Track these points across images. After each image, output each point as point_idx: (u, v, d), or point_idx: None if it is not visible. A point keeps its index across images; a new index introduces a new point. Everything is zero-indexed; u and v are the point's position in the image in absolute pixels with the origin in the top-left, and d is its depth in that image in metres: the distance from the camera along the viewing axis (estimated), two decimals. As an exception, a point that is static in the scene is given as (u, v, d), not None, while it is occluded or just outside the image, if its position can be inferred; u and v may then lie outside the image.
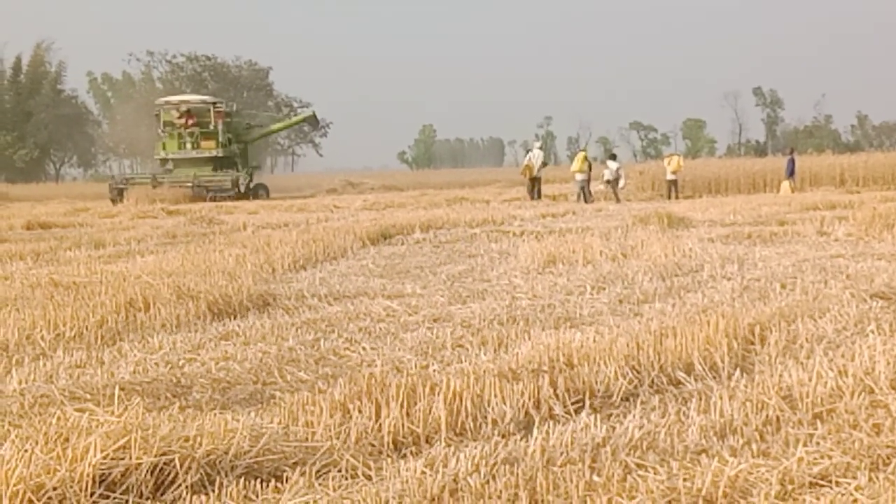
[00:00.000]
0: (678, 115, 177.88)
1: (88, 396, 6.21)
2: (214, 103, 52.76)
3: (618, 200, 35.74)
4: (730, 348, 7.08)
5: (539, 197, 36.93)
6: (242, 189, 47.94)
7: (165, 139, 50.96)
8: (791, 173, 40.33)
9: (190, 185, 46.84)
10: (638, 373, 6.48)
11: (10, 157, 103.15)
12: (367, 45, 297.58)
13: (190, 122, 50.39)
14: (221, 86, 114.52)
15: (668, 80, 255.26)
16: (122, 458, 4.53)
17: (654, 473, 4.58)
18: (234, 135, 52.14)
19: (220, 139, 50.30)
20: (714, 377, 6.56)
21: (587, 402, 5.93)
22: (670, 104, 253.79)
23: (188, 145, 50.34)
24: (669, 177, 39.50)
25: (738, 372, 6.58)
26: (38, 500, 4.28)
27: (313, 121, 68.05)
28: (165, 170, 50.52)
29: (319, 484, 4.61)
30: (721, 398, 5.80)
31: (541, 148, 39.59)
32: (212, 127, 50.45)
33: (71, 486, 4.37)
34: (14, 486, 4.28)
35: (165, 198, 42.26)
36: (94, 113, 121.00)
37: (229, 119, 52.55)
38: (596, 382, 6.22)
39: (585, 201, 34.99)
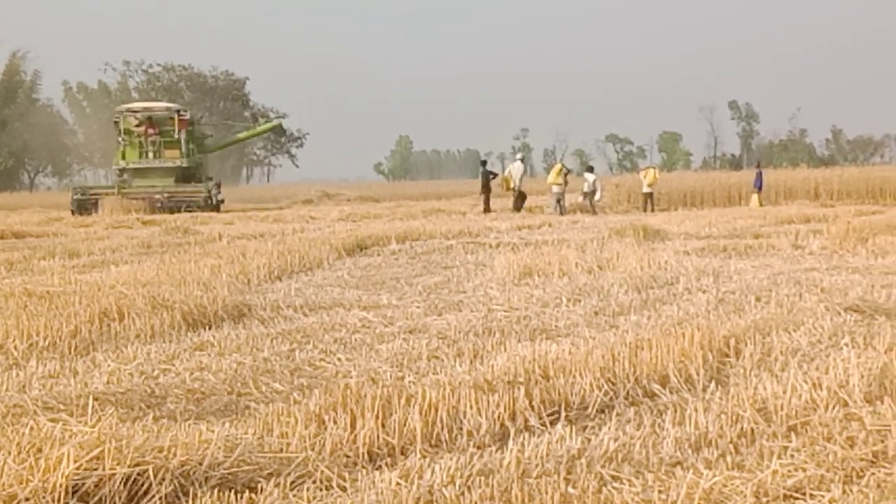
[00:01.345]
0: (654, 127, 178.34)
1: (62, 407, 6.17)
2: (178, 111, 50.62)
3: (594, 213, 35.83)
4: (705, 361, 7.10)
5: (519, 210, 36.59)
6: (214, 202, 45.95)
7: (125, 148, 48.27)
8: (759, 187, 40.67)
9: (158, 197, 45.04)
10: (613, 385, 6.48)
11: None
12: (346, 56, 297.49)
13: (150, 130, 47.98)
14: (198, 96, 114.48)
15: (645, 93, 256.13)
16: (96, 469, 4.51)
17: (630, 486, 4.59)
18: (196, 144, 49.87)
19: (184, 149, 48.10)
20: (689, 389, 6.57)
21: (563, 414, 5.93)
22: (646, 117, 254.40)
23: (150, 154, 47.96)
24: (645, 189, 39.65)
25: (713, 384, 6.60)
26: (10, 511, 4.25)
27: (279, 130, 66.95)
28: (122, 180, 47.85)
29: (294, 495, 4.60)
30: (696, 410, 5.81)
31: (521, 160, 39.49)
32: (175, 136, 48.19)
33: (43, 497, 4.34)
34: (-14, 496, 4.25)
35: (140, 208, 41.55)
36: (70, 122, 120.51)
37: (191, 128, 50.24)
38: (571, 394, 6.22)
39: (561, 213, 35.04)
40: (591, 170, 39.98)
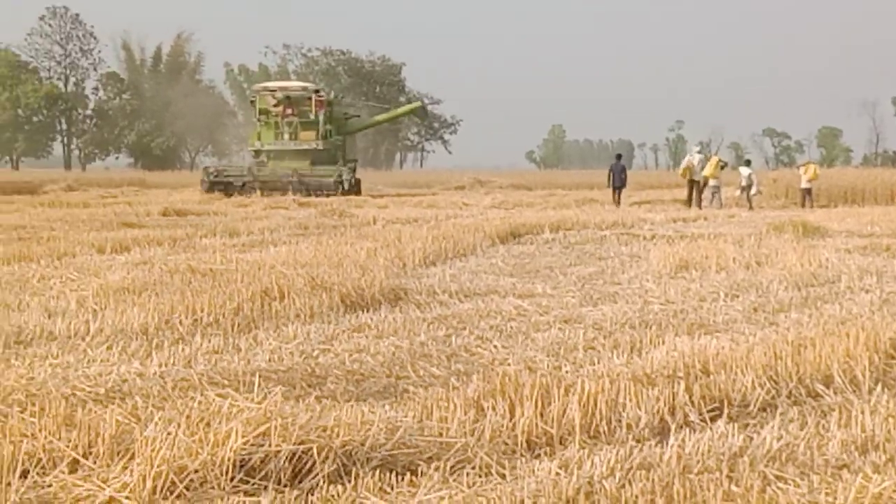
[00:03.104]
0: (813, 122, 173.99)
1: (226, 382, 6.33)
2: (316, 91, 49.04)
3: (750, 207, 35.13)
4: (870, 362, 6.91)
5: (697, 203, 35.09)
6: (346, 186, 43.83)
7: (261, 129, 46.81)
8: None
9: (289, 180, 43.37)
10: (776, 383, 6.37)
11: (147, 144, 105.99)
12: (500, 45, 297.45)
13: (288, 110, 46.15)
14: (355, 80, 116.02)
15: (804, 87, 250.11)
16: (262, 445, 4.61)
17: (795, 486, 4.50)
18: (334, 126, 47.46)
19: (321, 130, 46.01)
20: (854, 391, 6.42)
21: (724, 411, 5.85)
22: (805, 111, 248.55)
23: (286, 136, 46.12)
24: (804, 185, 38.67)
25: (878, 387, 6.43)
26: (181, 482, 4.38)
27: (422, 112, 65.74)
28: (259, 162, 46.41)
29: (454, 480, 4.62)
30: (862, 412, 5.68)
31: (699, 152, 38.48)
32: (312, 117, 46.20)
33: (212, 470, 4.46)
34: (158, 466, 4.38)
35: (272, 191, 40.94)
36: (231, 104, 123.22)
37: (330, 108, 47.95)
38: (732, 391, 6.14)
39: (720, 206, 34.42)
40: (748, 164, 39.18)
